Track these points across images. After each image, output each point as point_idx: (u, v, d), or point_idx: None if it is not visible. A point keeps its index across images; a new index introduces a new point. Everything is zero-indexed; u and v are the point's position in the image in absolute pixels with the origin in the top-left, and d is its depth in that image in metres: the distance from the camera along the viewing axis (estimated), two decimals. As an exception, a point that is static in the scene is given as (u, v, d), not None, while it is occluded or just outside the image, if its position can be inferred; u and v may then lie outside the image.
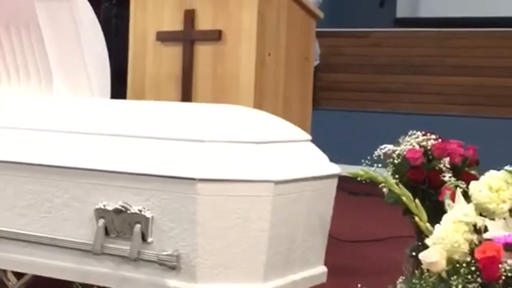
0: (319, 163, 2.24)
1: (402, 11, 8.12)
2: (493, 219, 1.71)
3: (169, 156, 2.01)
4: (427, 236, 1.78)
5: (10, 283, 2.53)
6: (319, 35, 4.44)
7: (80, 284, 2.22)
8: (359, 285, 1.90)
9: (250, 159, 2.00)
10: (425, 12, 8.01)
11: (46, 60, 2.59)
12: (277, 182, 1.99)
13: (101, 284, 2.12)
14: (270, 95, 3.06)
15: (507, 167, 1.79)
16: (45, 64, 2.62)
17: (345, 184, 2.52)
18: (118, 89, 3.15)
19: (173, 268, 1.97)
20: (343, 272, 2.84)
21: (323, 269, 2.29)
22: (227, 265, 1.97)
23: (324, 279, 2.30)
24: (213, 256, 1.95)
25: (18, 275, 2.51)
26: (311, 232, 2.18)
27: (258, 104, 2.88)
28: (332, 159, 2.31)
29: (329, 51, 7.67)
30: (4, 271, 2.51)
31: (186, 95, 3.06)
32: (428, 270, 1.75)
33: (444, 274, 1.70)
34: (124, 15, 3.39)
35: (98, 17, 2.81)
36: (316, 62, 6.31)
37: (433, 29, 7.51)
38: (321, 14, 3.38)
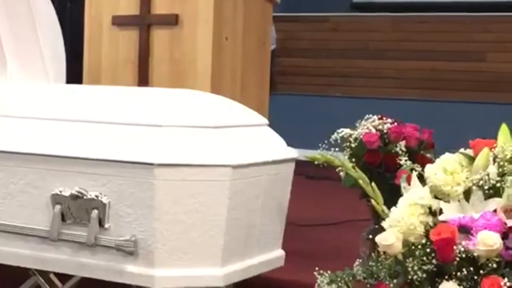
0: (276, 147, 2.25)
1: (358, -4, 8.16)
2: (448, 201, 1.74)
3: (126, 141, 2.00)
4: (384, 219, 1.80)
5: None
6: (276, 19, 4.43)
7: (37, 271, 2.21)
8: (316, 268, 1.91)
9: (207, 143, 2.00)
10: (381, -4, 8.05)
11: (0, 46, 2.56)
12: (235, 167, 1.99)
13: (58, 271, 2.11)
14: (227, 80, 3.05)
15: (462, 150, 1.81)
16: (-1, 48, 2.59)
17: (302, 169, 2.53)
18: (74, 75, 3.12)
19: (130, 253, 1.96)
20: (300, 256, 2.85)
21: (280, 252, 2.30)
22: (185, 250, 1.97)
23: (281, 263, 2.31)
24: (170, 241, 1.95)
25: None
26: (268, 216, 2.19)
27: (216, 88, 2.87)
28: (289, 144, 2.32)
29: (286, 35, 7.68)
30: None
31: (143, 80, 3.04)
32: (384, 253, 1.77)
33: (400, 256, 1.72)
34: (79, -1, 3.35)
35: (53, 2, 2.78)
36: (273, 47, 6.31)
37: (389, 13, 7.55)
38: (278, -1, 3.38)
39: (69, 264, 2.06)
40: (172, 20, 3.00)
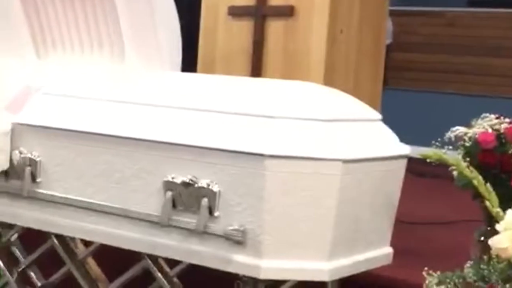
0: (388, 143, 2.22)
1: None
2: None
3: (238, 131, 2.01)
4: (497, 222, 1.75)
5: (78, 250, 2.58)
6: (391, 13, 4.37)
7: (147, 255, 2.25)
8: (425, 268, 1.88)
9: (319, 136, 1.99)
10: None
11: (119, 32, 2.60)
12: (345, 161, 1.97)
13: (168, 256, 2.14)
14: (341, 73, 3.03)
15: None
16: (118, 36, 2.63)
17: (412, 166, 2.48)
18: (188, 64, 3.16)
19: (239, 243, 1.97)
20: (408, 254, 2.80)
21: (388, 250, 2.27)
22: (293, 242, 1.97)
23: (389, 261, 2.28)
24: (279, 233, 1.95)
25: (86, 244, 2.56)
26: (377, 212, 2.16)
27: (328, 81, 2.85)
28: (401, 140, 2.28)
29: (401, 30, 7.57)
30: (73, 239, 2.56)
31: (256, 71, 3.06)
32: (497, 256, 1.72)
33: (513, 261, 1.67)
34: (197, -11, 3.39)
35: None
36: (388, 41, 6.23)
37: (506, 9, 7.33)
38: (395, -8, 3.33)
39: (178, 250, 2.08)
40: (287, 12, 3.00)
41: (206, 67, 3.13)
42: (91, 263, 2.61)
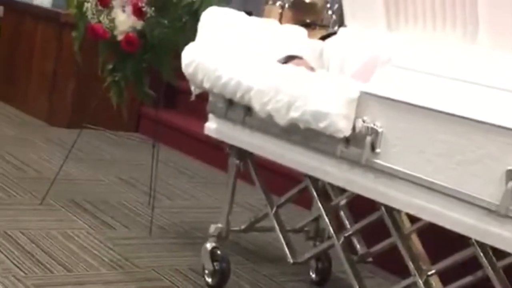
0: None
1: None
2: None
3: None
4: None
5: (403, 225, 2.59)
6: None
7: (477, 242, 2.19)
8: None
9: None
10: None
11: (475, 14, 2.54)
12: None
13: (500, 247, 2.06)
14: None
15: None
16: (473, 17, 2.57)
17: None
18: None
19: None
20: None
21: None
22: None
23: None
24: None
25: (412, 220, 2.55)
26: None
27: None
28: None
29: None
30: (400, 214, 2.57)
31: None
32: None
33: None
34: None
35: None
36: None
37: None
38: None
39: (510, 242, 2.00)
40: None
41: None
42: (415, 240, 2.60)
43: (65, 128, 5.67)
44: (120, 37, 3.62)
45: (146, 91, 3.80)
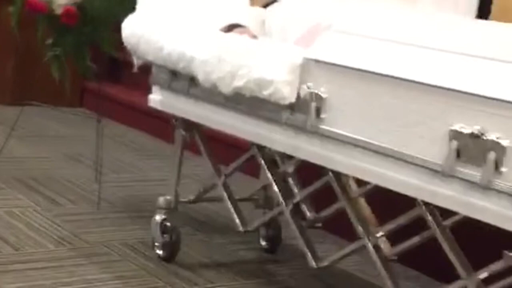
0: None
1: None
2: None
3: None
4: None
5: (351, 189, 2.61)
6: None
7: (423, 202, 2.22)
8: None
9: None
10: None
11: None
12: None
13: (445, 207, 2.09)
14: None
15: None
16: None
17: None
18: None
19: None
20: None
21: None
22: None
23: None
24: None
25: (359, 184, 2.58)
26: None
27: None
28: None
29: None
30: (347, 178, 2.59)
31: None
32: None
33: None
34: None
35: None
36: None
37: None
38: None
39: (458, 201, 2.02)
40: None
41: (502, 15, 2.98)
42: (362, 203, 2.63)
43: (7, 106, 5.57)
44: (59, 11, 3.55)
45: (87, 65, 3.75)
